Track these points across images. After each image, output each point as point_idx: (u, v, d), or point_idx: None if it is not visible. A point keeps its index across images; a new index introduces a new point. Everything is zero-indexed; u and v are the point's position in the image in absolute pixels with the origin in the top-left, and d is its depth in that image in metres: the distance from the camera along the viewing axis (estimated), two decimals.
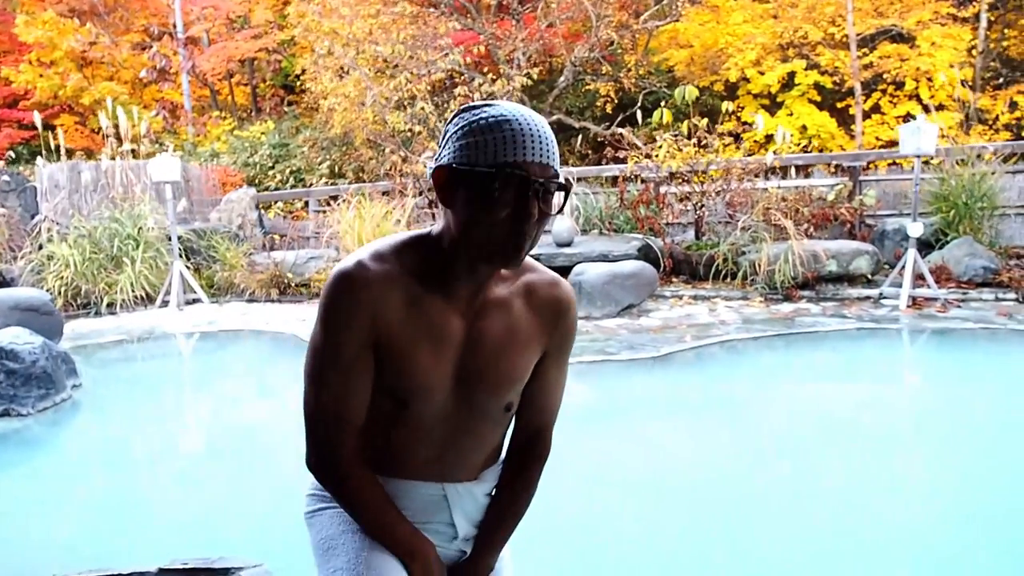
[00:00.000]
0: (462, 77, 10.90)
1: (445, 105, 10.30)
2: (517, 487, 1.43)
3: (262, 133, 14.41)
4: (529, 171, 1.14)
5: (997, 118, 11.79)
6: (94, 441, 4.44)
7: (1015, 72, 12.59)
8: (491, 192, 1.14)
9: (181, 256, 8.56)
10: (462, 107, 1.22)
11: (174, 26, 16.29)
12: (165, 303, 8.22)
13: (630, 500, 3.28)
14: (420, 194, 9.39)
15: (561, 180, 1.19)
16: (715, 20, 13.02)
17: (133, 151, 9.91)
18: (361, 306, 1.20)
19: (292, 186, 12.91)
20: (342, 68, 11.14)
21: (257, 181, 13.05)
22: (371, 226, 8.08)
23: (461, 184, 1.17)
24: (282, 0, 16.02)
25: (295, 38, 13.66)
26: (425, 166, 9.62)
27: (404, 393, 1.26)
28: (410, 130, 10.19)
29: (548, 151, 1.16)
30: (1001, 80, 12.53)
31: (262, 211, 11.33)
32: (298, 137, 13.83)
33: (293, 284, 8.55)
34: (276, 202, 12.25)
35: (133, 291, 8.12)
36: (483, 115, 1.17)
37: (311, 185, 12.37)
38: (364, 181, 11.21)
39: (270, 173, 13.37)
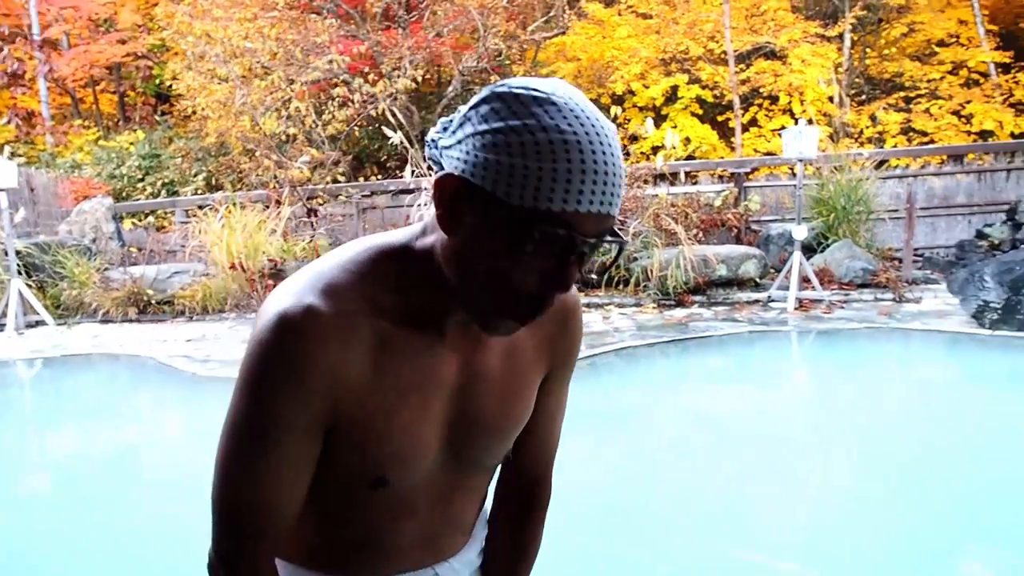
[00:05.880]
0: (341, 80, 10.46)
1: (323, 107, 9.81)
2: (522, 545, 1.13)
3: (130, 143, 13.48)
4: (582, 228, 0.76)
5: (862, 132, 12.38)
6: None
7: (875, 89, 13.30)
8: (521, 246, 0.76)
9: (20, 273, 7.69)
10: (497, 87, 0.79)
11: (29, 27, 14.97)
12: (1, 326, 7.34)
13: None
14: (298, 202, 8.85)
15: (614, 233, 0.80)
16: (601, 34, 13.23)
17: None
18: (312, 371, 0.80)
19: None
20: (215, 73, 10.49)
21: (125, 194, 12.18)
22: (242, 237, 7.55)
23: (477, 212, 0.78)
24: (150, 2, 15.03)
25: (165, 42, 12.80)
26: (300, 171, 9.08)
27: (380, 468, 0.89)
28: (285, 133, 9.65)
29: (614, 194, 0.77)
30: (864, 96, 13.20)
31: (121, 223, 10.44)
32: (170, 147, 12.99)
33: (154, 302, 7.83)
34: (146, 215, 11.36)
35: None
36: (534, 123, 0.75)
37: None
38: (241, 191, 10.54)
39: (139, 185, 12.62)
